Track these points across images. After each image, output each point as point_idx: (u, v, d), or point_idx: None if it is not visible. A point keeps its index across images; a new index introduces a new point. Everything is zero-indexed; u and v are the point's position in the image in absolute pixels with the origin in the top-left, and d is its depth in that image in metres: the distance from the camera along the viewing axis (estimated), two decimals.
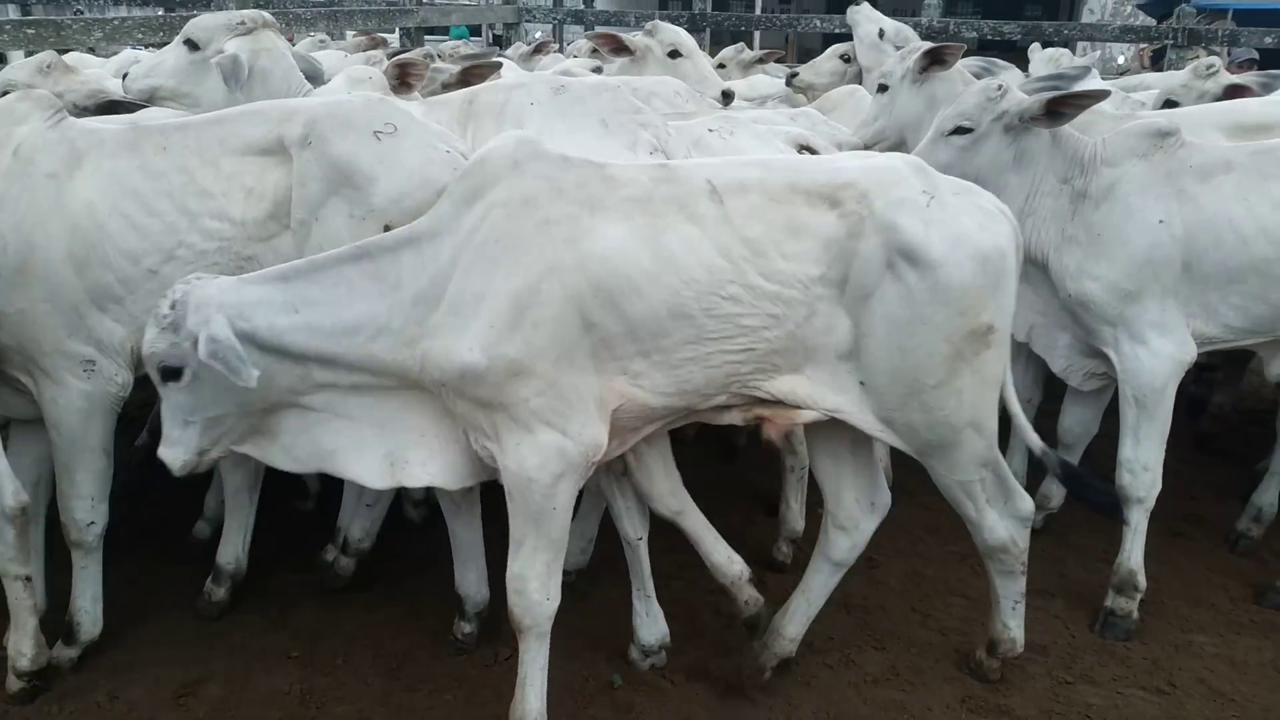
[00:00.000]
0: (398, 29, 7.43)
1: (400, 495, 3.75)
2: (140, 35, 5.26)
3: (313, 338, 2.29)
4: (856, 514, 2.82)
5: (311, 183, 2.51)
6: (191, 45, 3.23)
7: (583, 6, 12.01)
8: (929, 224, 2.35)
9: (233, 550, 3.22)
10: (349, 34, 6.36)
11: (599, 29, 4.25)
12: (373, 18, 6.63)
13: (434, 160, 2.56)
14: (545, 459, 2.32)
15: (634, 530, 2.93)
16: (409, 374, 2.32)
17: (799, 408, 2.48)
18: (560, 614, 3.14)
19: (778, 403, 2.48)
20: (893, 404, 2.45)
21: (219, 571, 3.22)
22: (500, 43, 12.41)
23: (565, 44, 8.87)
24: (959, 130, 3.18)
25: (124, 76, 3.36)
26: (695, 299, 2.32)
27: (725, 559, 2.97)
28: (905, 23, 7.62)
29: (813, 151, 3.29)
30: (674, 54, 4.17)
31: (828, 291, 2.37)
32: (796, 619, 2.94)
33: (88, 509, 2.70)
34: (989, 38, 7.50)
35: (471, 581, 3.04)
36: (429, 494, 3.65)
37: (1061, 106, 3.05)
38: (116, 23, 5.10)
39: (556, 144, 2.44)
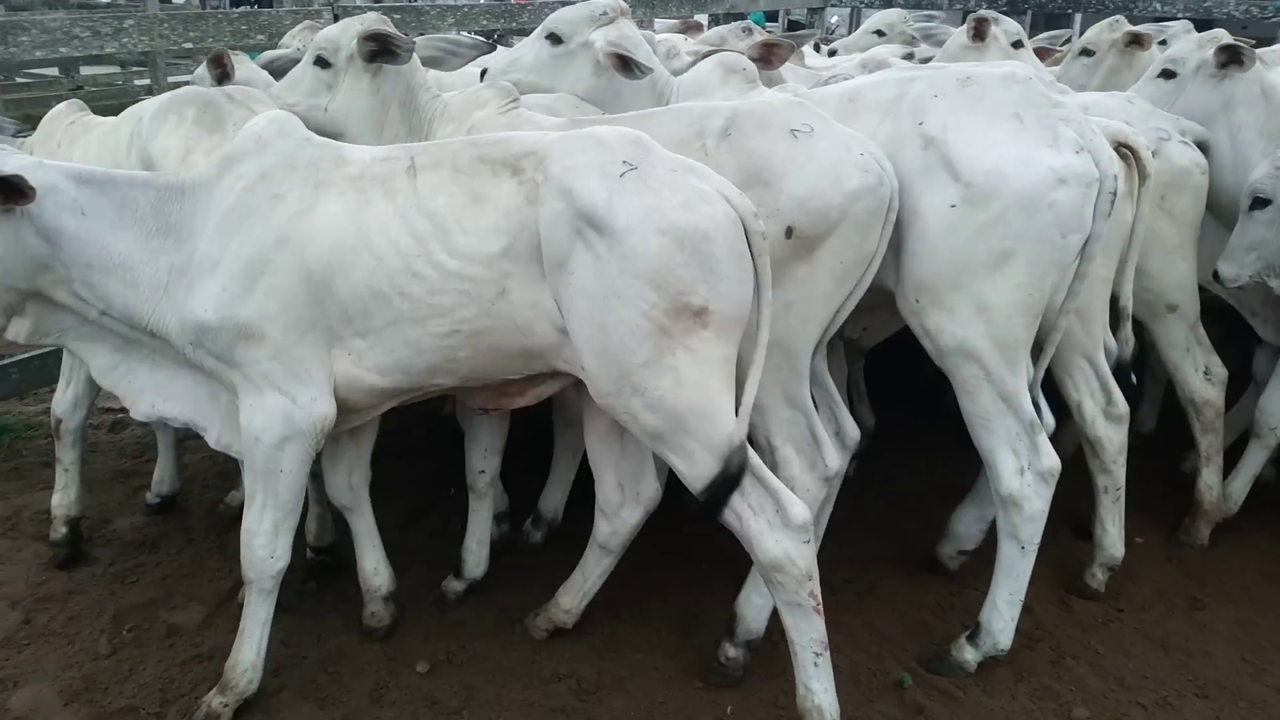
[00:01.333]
0: (707, 14, 7.60)
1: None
2: (485, 21, 5.74)
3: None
4: (616, 500, 2.76)
5: (724, 173, 2.47)
6: (555, 39, 3.31)
7: None
8: (614, 191, 2.23)
9: (552, 501, 3.53)
10: (656, 21, 6.61)
11: (980, 12, 4.03)
12: (686, 4, 6.82)
13: (846, 162, 2.48)
14: (271, 422, 2.42)
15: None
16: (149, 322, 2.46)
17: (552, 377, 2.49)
18: (852, 606, 3.20)
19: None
20: (608, 387, 2.31)
21: (539, 516, 3.54)
22: (795, 28, 12.36)
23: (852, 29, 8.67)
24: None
25: (482, 73, 3.50)
26: (388, 278, 2.33)
27: (372, 569, 3.03)
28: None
29: (1133, 151, 2.92)
30: (1017, 44, 3.97)
31: (517, 267, 2.29)
32: (570, 591, 2.99)
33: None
34: None
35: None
36: None
37: None
38: (465, 9, 5.62)
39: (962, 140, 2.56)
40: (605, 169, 2.27)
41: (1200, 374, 3.48)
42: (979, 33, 4.00)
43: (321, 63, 3.03)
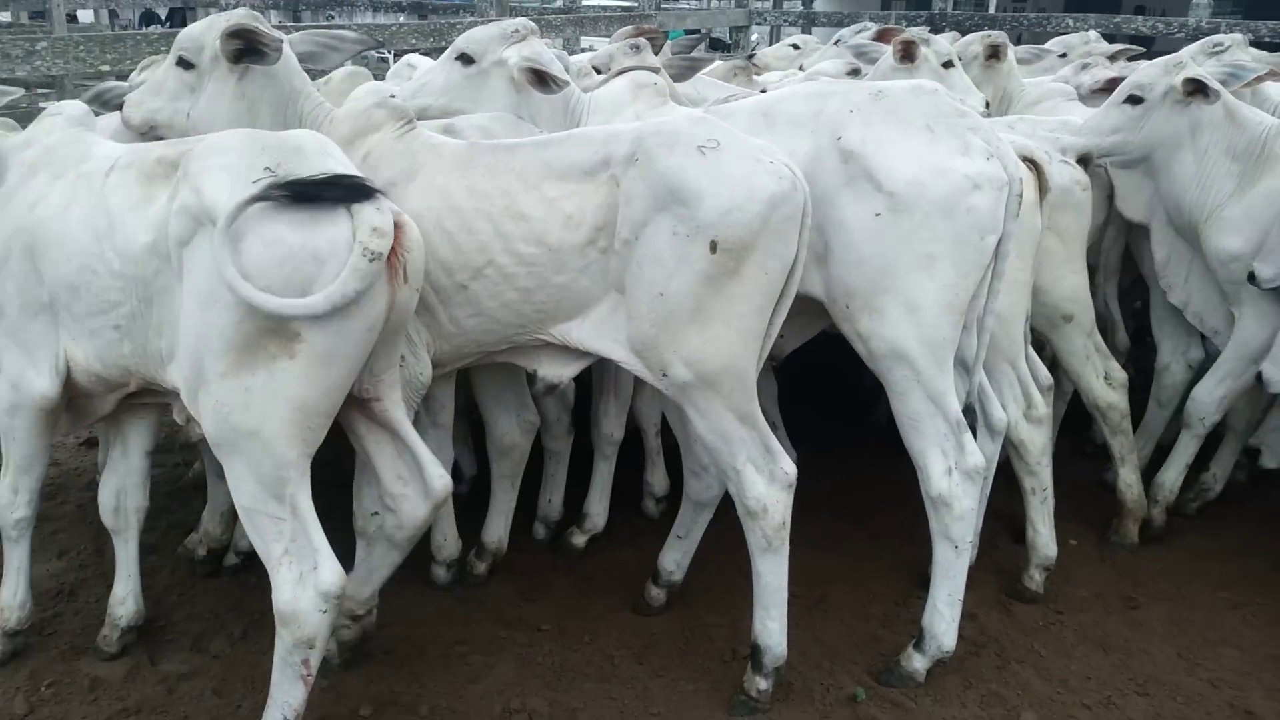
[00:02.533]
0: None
1: (642, 489, 3.88)
2: (413, 40, 5.63)
3: None
4: (396, 494, 2.62)
5: (637, 201, 2.50)
6: (466, 59, 3.22)
7: (801, 7, 11.91)
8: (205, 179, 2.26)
9: (495, 531, 3.44)
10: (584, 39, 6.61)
11: (908, 32, 4.10)
12: (615, 23, 6.84)
13: (758, 171, 2.50)
14: (2, 391, 2.66)
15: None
16: None
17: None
18: (802, 620, 3.20)
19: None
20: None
21: (482, 548, 3.45)
22: (718, 47, 12.50)
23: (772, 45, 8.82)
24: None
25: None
26: (76, 273, 2.43)
27: (120, 599, 3.02)
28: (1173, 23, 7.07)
29: (1035, 164, 3.09)
30: (948, 64, 4.06)
31: (164, 264, 2.33)
32: (361, 585, 2.83)
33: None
34: (1267, 39, 6.82)
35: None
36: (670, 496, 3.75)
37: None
38: (392, 28, 5.53)
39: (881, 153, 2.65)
40: (238, 168, 2.27)
41: (1101, 379, 3.61)
42: (907, 54, 4.07)
43: (184, 64, 2.83)
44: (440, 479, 2.62)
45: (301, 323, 2.16)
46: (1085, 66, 4.66)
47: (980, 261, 2.69)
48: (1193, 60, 3.73)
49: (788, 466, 2.70)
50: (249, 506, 2.31)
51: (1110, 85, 3.96)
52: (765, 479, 2.66)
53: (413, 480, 2.62)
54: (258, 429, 2.22)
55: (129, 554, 2.99)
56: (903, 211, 2.62)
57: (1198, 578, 3.55)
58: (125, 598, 3.00)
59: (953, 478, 2.78)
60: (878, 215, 2.63)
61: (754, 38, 11.75)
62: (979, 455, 2.82)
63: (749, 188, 2.47)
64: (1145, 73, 3.57)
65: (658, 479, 3.87)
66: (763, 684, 2.82)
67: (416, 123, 2.80)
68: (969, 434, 2.83)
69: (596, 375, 3.53)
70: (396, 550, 2.76)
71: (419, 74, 3.56)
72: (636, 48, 3.71)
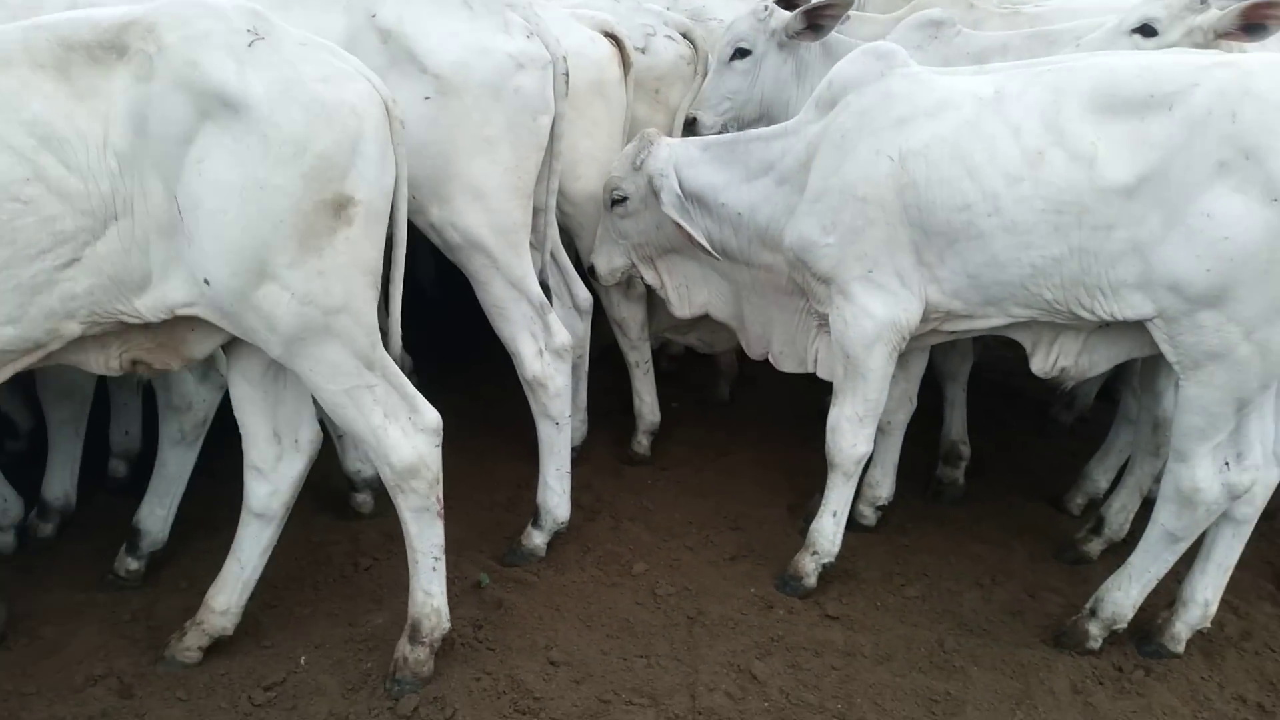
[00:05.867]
0: None
1: None
2: None
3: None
4: (270, 454, 2.46)
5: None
6: None
7: None
8: (244, 64, 2.01)
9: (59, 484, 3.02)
10: None
11: None
12: None
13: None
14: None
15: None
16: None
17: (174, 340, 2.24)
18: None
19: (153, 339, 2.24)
20: (234, 288, 2.07)
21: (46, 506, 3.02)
22: None
23: None
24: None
25: None
26: None
27: None
28: None
29: (617, 40, 3.24)
30: None
31: (118, 164, 1.99)
32: (226, 587, 2.55)
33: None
34: None
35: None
36: None
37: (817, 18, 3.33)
38: None
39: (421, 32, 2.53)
40: (228, 39, 2.02)
41: None
42: None
43: None
44: (312, 429, 2.54)
45: (355, 185, 2.08)
46: None
47: (537, 143, 2.73)
48: None
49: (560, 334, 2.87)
50: (347, 387, 2.23)
51: None
52: (534, 350, 2.86)
53: (286, 436, 2.49)
54: (345, 304, 2.15)
55: None
56: (452, 94, 2.57)
57: (779, 423, 4.03)
58: None
59: (544, 358, 2.87)
60: (427, 99, 2.56)
61: None
62: (565, 334, 2.92)
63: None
64: (742, 24, 3.55)
65: None
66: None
67: None
68: (553, 315, 2.92)
69: None
70: (272, 526, 2.55)
71: None
72: None
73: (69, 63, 1.96)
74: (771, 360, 3.26)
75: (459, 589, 2.93)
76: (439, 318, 4.57)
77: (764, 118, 3.58)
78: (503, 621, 2.78)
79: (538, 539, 3.07)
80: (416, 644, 2.48)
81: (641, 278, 3.38)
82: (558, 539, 3.12)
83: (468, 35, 2.58)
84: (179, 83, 1.97)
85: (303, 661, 2.55)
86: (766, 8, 3.43)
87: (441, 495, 2.44)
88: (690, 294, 3.35)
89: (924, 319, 2.73)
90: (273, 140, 1.98)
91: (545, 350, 2.85)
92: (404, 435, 2.32)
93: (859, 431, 2.84)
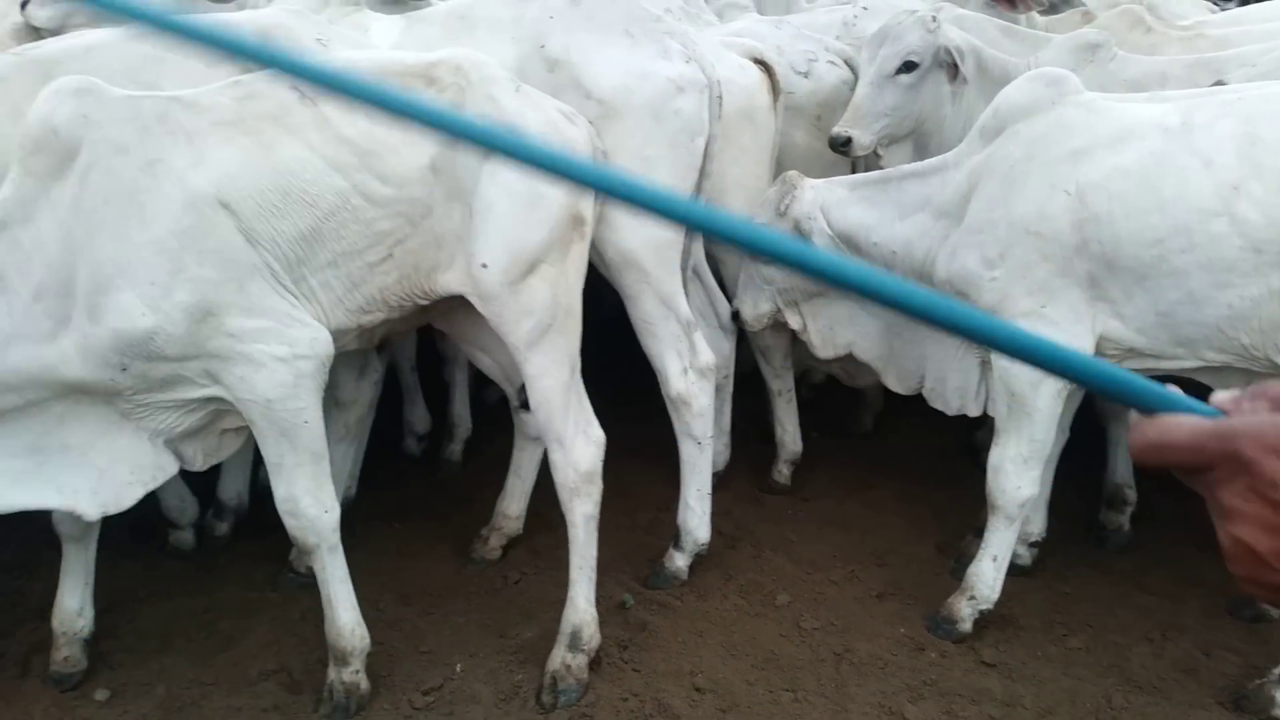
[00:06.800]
0: None
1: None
2: None
3: None
4: None
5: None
6: None
7: None
8: (520, 100, 2.42)
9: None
10: None
11: None
12: None
13: None
14: None
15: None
16: None
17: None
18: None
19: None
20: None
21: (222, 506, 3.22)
22: None
23: None
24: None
25: None
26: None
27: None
28: None
29: (767, 67, 3.21)
30: None
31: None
32: (516, 498, 3.18)
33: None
34: None
35: None
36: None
37: None
38: None
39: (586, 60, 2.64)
40: (506, 82, 2.45)
41: None
42: None
43: None
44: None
45: (585, 207, 2.50)
46: None
47: (693, 163, 2.80)
48: None
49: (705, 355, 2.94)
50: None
51: None
52: (680, 368, 2.93)
53: None
54: (573, 306, 2.55)
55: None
56: (614, 117, 2.67)
57: (928, 456, 3.91)
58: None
59: (689, 377, 2.89)
60: (590, 123, 2.64)
61: None
62: (710, 353, 2.94)
63: None
64: (913, 35, 3.31)
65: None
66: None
67: None
68: (700, 333, 2.94)
69: None
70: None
71: None
72: None
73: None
74: (925, 396, 3.17)
75: (604, 609, 2.94)
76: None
77: (914, 135, 3.45)
78: (647, 644, 2.79)
79: (680, 561, 3.07)
80: (577, 651, 2.57)
81: (785, 322, 3.35)
82: (699, 565, 3.12)
83: (629, 61, 2.69)
84: (484, 110, 2.34)
85: (458, 669, 2.64)
86: (934, 19, 3.29)
87: None
88: (834, 335, 3.29)
89: (1098, 354, 2.61)
90: None
91: (690, 369, 2.88)
92: (586, 444, 2.52)
93: (1024, 474, 2.73)
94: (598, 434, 2.62)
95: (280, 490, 2.35)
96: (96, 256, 2.09)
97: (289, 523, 2.37)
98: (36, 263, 2.10)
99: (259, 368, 2.21)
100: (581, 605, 2.61)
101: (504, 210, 2.36)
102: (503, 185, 2.33)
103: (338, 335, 2.38)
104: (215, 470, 3.26)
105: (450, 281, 2.45)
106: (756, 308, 3.32)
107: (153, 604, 2.89)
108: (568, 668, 2.55)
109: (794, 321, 3.31)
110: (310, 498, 2.34)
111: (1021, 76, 2.85)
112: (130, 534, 3.08)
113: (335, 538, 2.41)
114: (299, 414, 2.27)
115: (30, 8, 2.88)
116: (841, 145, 3.33)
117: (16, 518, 2.34)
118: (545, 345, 2.47)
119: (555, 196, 2.38)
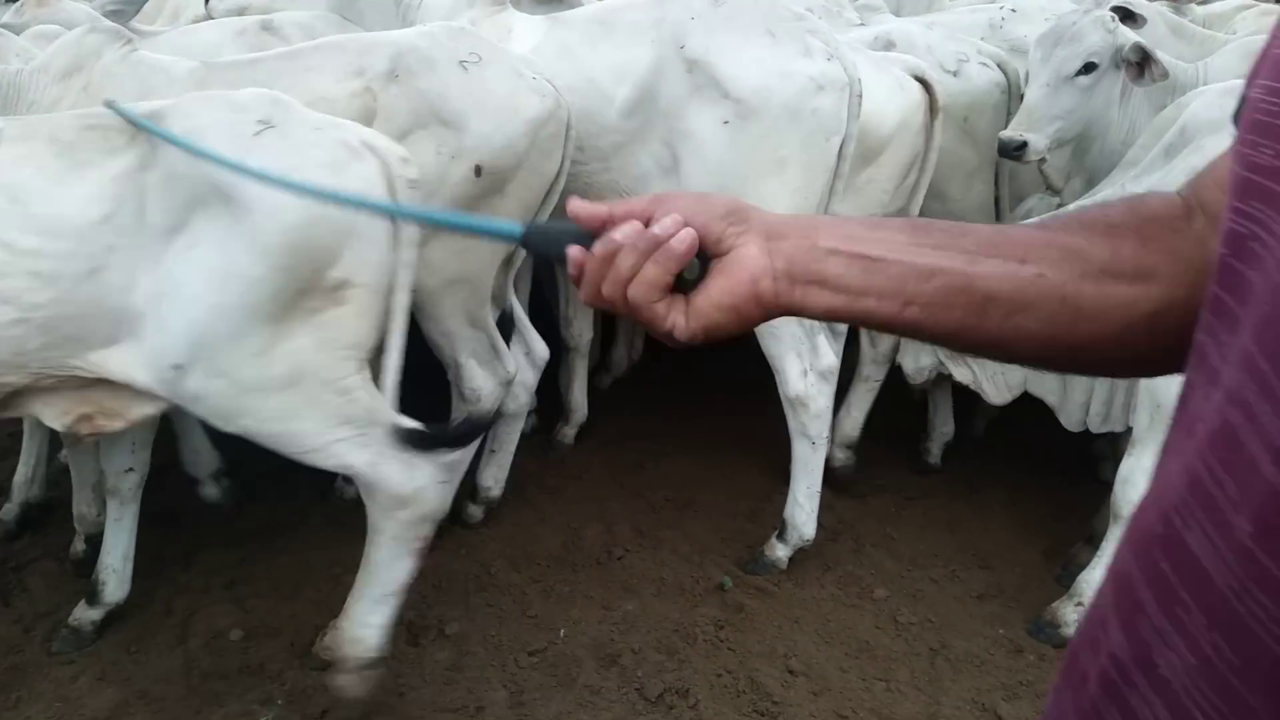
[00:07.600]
0: None
1: None
2: None
3: None
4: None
5: (397, 118, 2.41)
6: None
7: None
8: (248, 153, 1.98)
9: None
10: None
11: None
12: None
13: (521, 89, 2.50)
14: None
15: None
16: None
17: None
18: (673, 522, 3.32)
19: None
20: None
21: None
22: None
23: None
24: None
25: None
26: None
27: None
28: None
29: (926, 84, 3.11)
30: None
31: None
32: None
33: None
34: None
35: None
36: None
37: None
38: None
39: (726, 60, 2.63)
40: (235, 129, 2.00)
41: None
42: None
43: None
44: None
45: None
46: None
47: (827, 164, 2.77)
48: None
49: (510, 367, 2.91)
50: None
51: None
52: (486, 373, 2.85)
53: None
54: None
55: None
56: (751, 117, 2.67)
57: (1036, 464, 3.84)
58: None
59: (808, 379, 2.92)
60: (726, 123, 2.67)
61: None
62: (831, 356, 2.96)
63: (514, 107, 2.49)
64: (1094, 35, 3.15)
65: None
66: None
67: (138, 44, 2.58)
68: (822, 336, 2.97)
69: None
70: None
71: None
72: None
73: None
74: (1090, 427, 3.11)
75: (703, 588, 3.06)
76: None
77: (1081, 138, 3.30)
78: (743, 625, 2.86)
79: (780, 551, 3.12)
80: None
81: (950, 375, 3.31)
82: (798, 554, 3.17)
83: (770, 61, 2.68)
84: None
85: (562, 634, 2.77)
86: (1113, 18, 3.15)
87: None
88: (1006, 378, 3.23)
89: None
90: None
91: (810, 370, 2.90)
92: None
93: None
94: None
95: None
96: None
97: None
98: None
99: None
100: None
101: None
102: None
103: None
104: None
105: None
106: (918, 361, 3.31)
107: (287, 556, 3.14)
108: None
109: (960, 374, 3.26)
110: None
111: (1210, 91, 2.76)
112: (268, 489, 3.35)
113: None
114: None
115: (213, 1, 3.17)
116: (1015, 150, 3.15)
117: None
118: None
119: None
